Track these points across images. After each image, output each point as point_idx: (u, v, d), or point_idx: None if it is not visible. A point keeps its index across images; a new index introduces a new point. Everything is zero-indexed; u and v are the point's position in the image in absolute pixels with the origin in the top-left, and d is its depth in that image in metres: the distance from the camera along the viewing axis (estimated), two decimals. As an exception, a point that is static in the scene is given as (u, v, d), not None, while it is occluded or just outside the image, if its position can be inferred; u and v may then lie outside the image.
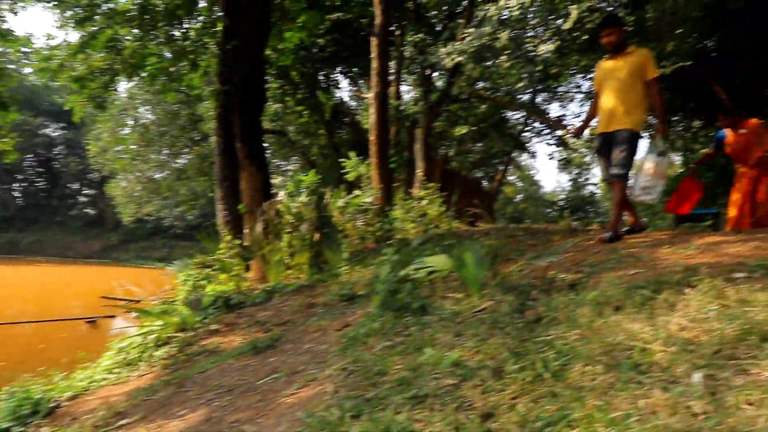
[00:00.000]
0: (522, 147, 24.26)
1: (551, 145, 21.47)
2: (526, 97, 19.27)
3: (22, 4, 10.87)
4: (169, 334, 5.31)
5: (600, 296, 2.78)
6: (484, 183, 25.42)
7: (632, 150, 5.06)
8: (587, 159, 32.59)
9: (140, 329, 5.49)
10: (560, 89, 19.15)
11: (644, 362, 2.03)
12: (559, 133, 20.24)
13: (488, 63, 9.75)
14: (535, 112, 19.67)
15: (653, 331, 2.25)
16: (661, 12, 7.26)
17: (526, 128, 21.71)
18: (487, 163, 24.57)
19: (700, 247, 4.01)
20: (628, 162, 5.04)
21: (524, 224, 9.30)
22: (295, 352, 3.40)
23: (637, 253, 4.08)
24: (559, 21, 8.11)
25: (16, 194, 54.91)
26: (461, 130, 18.71)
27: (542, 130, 21.11)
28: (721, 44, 10.63)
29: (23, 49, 12.59)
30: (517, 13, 7.32)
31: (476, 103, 16.18)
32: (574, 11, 7.46)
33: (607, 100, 5.27)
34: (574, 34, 8.71)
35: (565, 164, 29.44)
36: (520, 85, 11.35)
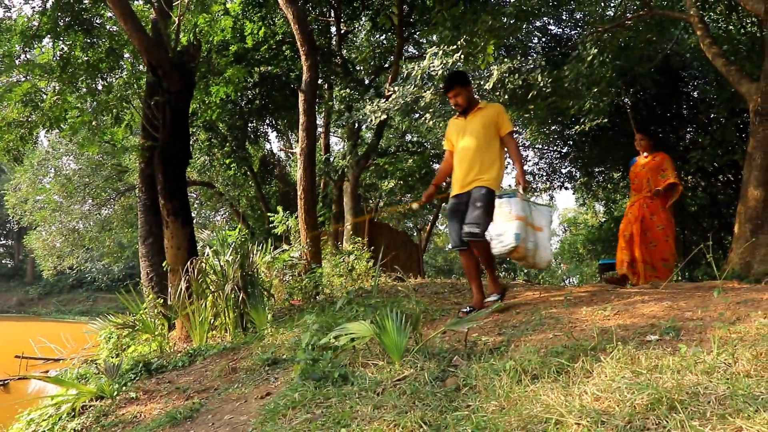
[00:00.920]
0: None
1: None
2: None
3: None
4: (85, 403, 5.07)
5: (518, 364, 2.81)
6: (414, 234, 25.69)
7: (489, 208, 4.67)
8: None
9: (52, 399, 5.23)
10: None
11: (559, 435, 2.06)
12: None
13: (416, 115, 9.96)
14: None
15: (568, 402, 2.28)
16: (577, 73, 7.58)
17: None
18: (417, 213, 24.85)
19: (616, 306, 4.13)
20: (484, 221, 4.66)
21: (451, 279, 9.37)
22: (214, 425, 3.30)
23: (558, 313, 4.18)
24: (481, 81, 8.39)
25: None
26: (390, 183, 18.92)
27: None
28: (635, 99, 11.24)
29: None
30: (440, 72, 7.50)
31: (403, 156, 16.44)
32: (495, 71, 7.72)
33: (462, 160, 5.05)
34: (496, 94, 9.02)
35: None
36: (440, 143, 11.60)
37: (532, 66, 8.33)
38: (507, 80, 8.25)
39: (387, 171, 17.33)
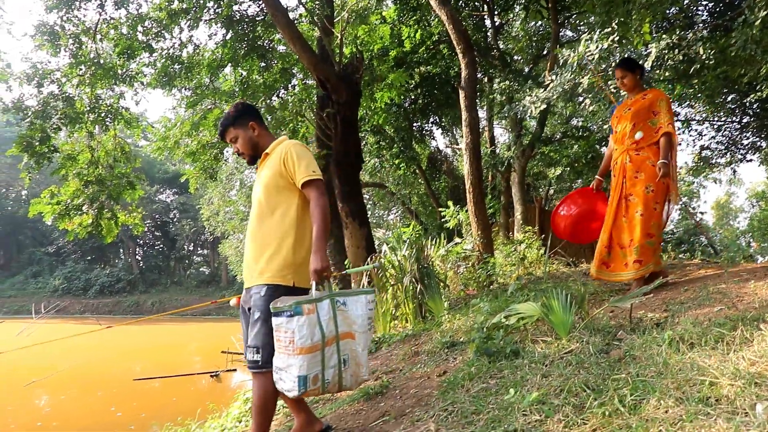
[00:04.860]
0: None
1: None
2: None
3: (144, 94, 12.14)
4: (289, 386, 5.77)
5: (677, 334, 2.99)
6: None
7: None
8: (694, 187, 31.44)
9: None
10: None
11: (712, 395, 2.24)
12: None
13: (579, 99, 9.96)
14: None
15: (723, 366, 2.46)
16: (745, 40, 7.22)
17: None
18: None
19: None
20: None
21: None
22: (401, 397, 3.75)
23: (726, 289, 4.22)
24: (639, 61, 8.25)
25: (138, 258, 58.40)
26: (557, 170, 18.75)
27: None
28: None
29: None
30: (596, 56, 7.51)
31: (569, 142, 16.24)
32: (653, 49, 7.60)
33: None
34: (657, 72, 8.82)
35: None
36: (606, 126, 11.37)
37: (693, 38, 8.07)
38: (667, 57, 8.08)
39: (553, 158, 17.20)
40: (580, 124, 17.12)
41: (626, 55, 7.94)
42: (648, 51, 7.75)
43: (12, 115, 11.54)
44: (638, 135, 5.10)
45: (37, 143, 10.60)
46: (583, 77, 7.73)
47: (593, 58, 7.50)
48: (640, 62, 6.49)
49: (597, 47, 7.35)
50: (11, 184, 59.18)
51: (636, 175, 5.02)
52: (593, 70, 7.50)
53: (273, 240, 3.15)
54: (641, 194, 4.97)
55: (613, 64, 6.80)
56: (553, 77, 8.06)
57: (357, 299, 3.11)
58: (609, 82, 8.20)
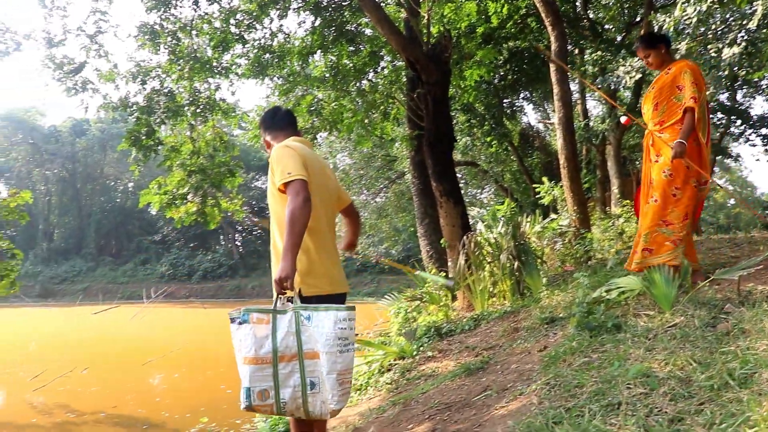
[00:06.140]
0: (722, 151, 22.83)
1: (755, 145, 19.84)
2: (723, 98, 18.22)
3: (238, 84, 12.55)
4: (390, 362, 5.97)
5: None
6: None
7: None
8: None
9: (364, 359, 6.18)
10: (763, 83, 17.89)
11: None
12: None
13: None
14: (733, 112, 18.51)
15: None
16: None
17: (727, 130, 20.40)
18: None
19: None
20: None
21: (729, 235, 8.93)
22: (503, 372, 3.80)
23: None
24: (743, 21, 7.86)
25: (237, 243, 60.38)
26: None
27: (744, 130, 19.67)
28: None
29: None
30: (694, 20, 7.20)
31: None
32: (759, 7, 7.22)
33: None
34: (763, 31, 8.36)
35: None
36: (707, 93, 10.82)
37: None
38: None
39: (650, 129, 16.59)
40: (679, 91, 16.42)
41: (728, 17, 7.59)
42: (753, 9, 7.35)
43: (118, 113, 12.22)
44: (660, 114, 4.56)
45: (143, 137, 11.23)
46: (680, 43, 7.45)
47: (691, 22, 7.20)
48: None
49: (695, 10, 7.03)
50: (119, 177, 62.62)
51: (657, 159, 4.49)
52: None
53: (281, 249, 2.88)
54: (659, 179, 4.42)
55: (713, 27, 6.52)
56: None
57: (325, 315, 2.74)
58: (709, 46, 7.86)
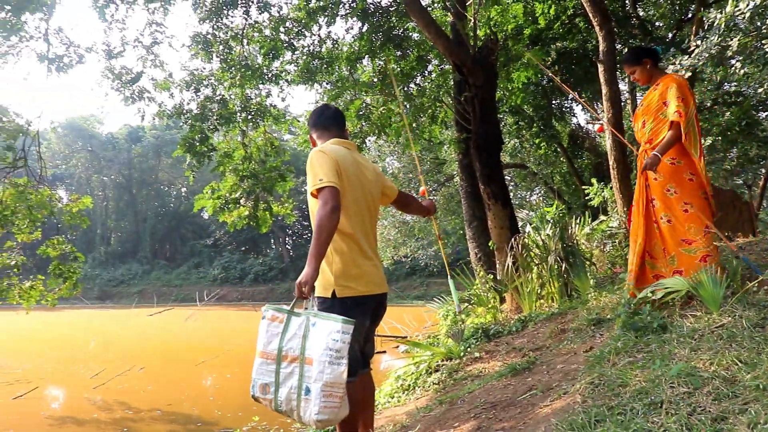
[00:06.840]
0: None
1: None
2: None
3: (288, 90, 12.81)
4: (438, 363, 6.04)
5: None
6: (744, 192, 23.59)
7: None
8: None
9: (413, 360, 6.27)
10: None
11: None
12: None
13: (732, 61, 9.40)
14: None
15: None
16: None
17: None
18: (746, 170, 22.71)
19: None
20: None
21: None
22: (548, 372, 3.84)
23: None
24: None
25: (288, 247, 61.11)
26: (708, 140, 17.71)
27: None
28: None
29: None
30: (748, 15, 7.04)
31: (719, 109, 15.28)
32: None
33: None
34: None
35: None
36: (760, 90, 10.59)
37: None
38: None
39: (702, 128, 16.24)
40: (732, 89, 16.05)
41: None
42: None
43: (172, 120, 12.58)
44: (648, 132, 4.49)
45: (197, 143, 11.57)
46: (732, 39, 7.31)
47: (744, 17, 7.05)
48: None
49: (748, 5, 6.89)
50: (172, 183, 64.12)
51: (656, 178, 4.31)
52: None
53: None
54: (662, 197, 4.29)
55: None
56: (699, 42, 7.67)
57: (324, 323, 2.80)
58: (763, 41, 7.69)
